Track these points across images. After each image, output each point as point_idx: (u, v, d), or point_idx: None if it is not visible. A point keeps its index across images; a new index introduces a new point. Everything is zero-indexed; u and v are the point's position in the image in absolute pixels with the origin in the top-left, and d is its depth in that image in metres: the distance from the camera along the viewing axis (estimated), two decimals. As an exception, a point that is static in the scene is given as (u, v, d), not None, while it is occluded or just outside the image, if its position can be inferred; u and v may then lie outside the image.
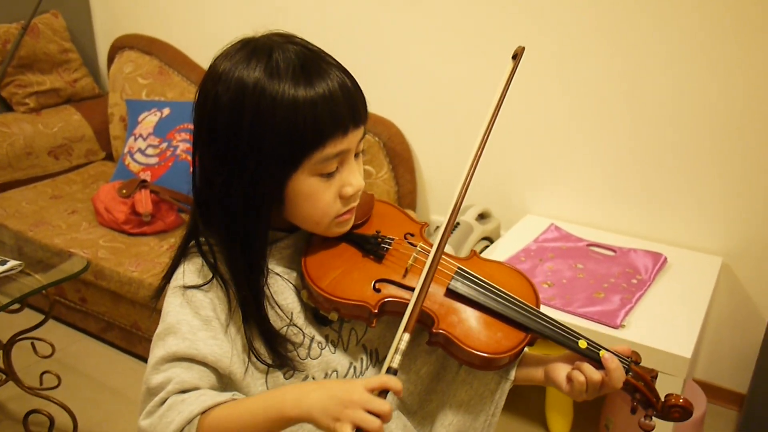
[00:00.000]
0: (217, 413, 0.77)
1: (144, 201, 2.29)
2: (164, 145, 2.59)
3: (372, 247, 0.91)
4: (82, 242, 2.30)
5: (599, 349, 0.87)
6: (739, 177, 1.96)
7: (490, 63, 2.23)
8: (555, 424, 2.08)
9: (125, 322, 2.30)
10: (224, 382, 0.84)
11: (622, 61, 2.03)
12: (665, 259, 1.95)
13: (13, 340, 1.84)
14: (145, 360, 2.33)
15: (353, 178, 0.86)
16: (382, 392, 0.75)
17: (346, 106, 0.81)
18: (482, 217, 2.22)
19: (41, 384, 1.93)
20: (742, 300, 2.06)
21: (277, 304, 0.88)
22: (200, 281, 0.86)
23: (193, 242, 0.89)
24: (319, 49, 0.85)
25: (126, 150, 2.69)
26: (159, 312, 0.87)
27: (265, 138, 0.79)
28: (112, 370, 2.34)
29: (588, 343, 0.87)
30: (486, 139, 0.94)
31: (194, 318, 0.83)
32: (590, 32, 2.05)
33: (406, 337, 0.79)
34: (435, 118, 2.42)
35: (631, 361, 0.87)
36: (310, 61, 0.81)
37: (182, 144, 2.56)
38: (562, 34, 2.09)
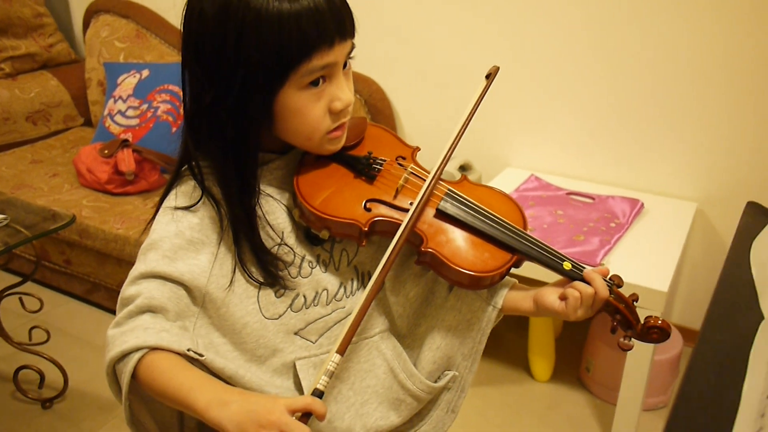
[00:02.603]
0: (160, 361, 0.78)
1: (127, 160, 2.29)
2: (144, 106, 2.58)
3: (363, 168, 0.92)
4: (65, 203, 2.30)
5: (582, 269, 0.90)
6: (712, 126, 2.02)
7: (472, 21, 2.25)
8: (537, 368, 2.14)
9: (111, 282, 2.31)
10: (199, 304, 0.86)
11: (598, 12, 2.06)
12: (642, 204, 2.01)
13: (0, 296, 1.85)
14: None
15: (342, 92, 0.86)
16: (305, 415, 0.73)
17: (331, 19, 0.81)
18: (463, 169, 2.25)
19: (30, 339, 1.94)
20: (716, 244, 2.13)
21: (268, 224, 0.89)
22: (191, 203, 0.87)
23: (185, 166, 0.90)
24: None
25: (106, 112, 2.68)
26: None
27: (251, 53, 0.79)
28: (98, 330, 2.35)
29: (572, 265, 0.90)
30: (456, 144, 0.94)
31: (177, 237, 0.85)
32: (567, -17, 2.08)
33: (337, 358, 0.78)
34: (416, 75, 2.44)
35: (613, 283, 0.90)
36: None
37: (163, 105, 2.55)
38: (540, -14, 2.11)
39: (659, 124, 2.09)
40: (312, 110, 0.85)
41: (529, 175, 2.23)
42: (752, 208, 1.10)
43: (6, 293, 1.85)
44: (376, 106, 2.45)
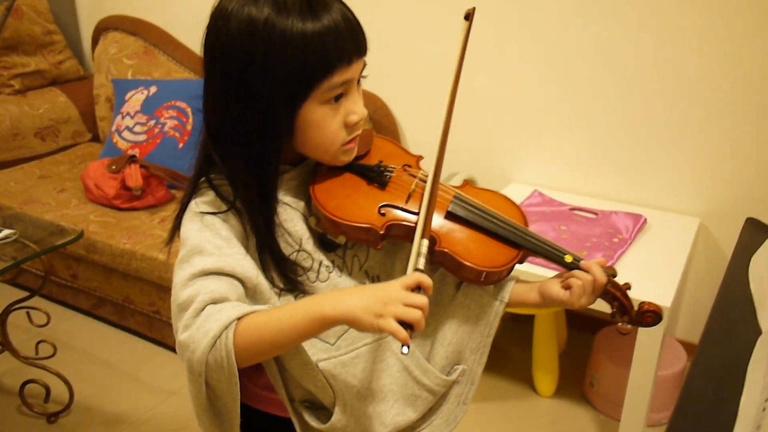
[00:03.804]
0: (254, 318, 0.80)
1: (134, 175, 2.31)
2: (152, 122, 2.61)
3: (375, 176, 0.98)
4: (72, 218, 2.32)
5: (580, 260, 0.97)
6: (714, 141, 2.03)
7: (477, 40, 2.27)
8: (541, 384, 2.14)
9: (117, 297, 2.33)
10: (250, 295, 0.88)
11: (598, 29, 2.08)
12: (645, 219, 2.02)
13: (8, 310, 1.87)
14: (138, 334, 2.38)
15: (357, 106, 0.91)
16: (416, 289, 0.81)
17: (349, 37, 0.86)
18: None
19: (37, 353, 1.95)
20: (719, 259, 2.13)
21: (286, 232, 0.93)
22: (216, 210, 0.90)
23: (203, 179, 0.93)
24: None
25: (114, 128, 2.71)
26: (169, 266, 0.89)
27: (277, 71, 0.83)
28: (104, 344, 2.37)
29: (573, 257, 0.97)
30: (453, 103, 1.01)
31: (216, 238, 0.87)
32: (568, 2, 2.10)
33: (425, 242, 0.88)
34: (419, 91, 2.46)
35: (608, 273, 0.97)
36: None
37: (170, 121, 2.59)
38: (543, 6, 2.14)
39: (661, 140, 2.10)
40: (330, 124, 0.90)
41: (533, 191, 2.25)
42: (751, 223, 1.11)
43: (13, 308, 1.87)
44: (380, 122, 2.47)
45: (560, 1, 2.11)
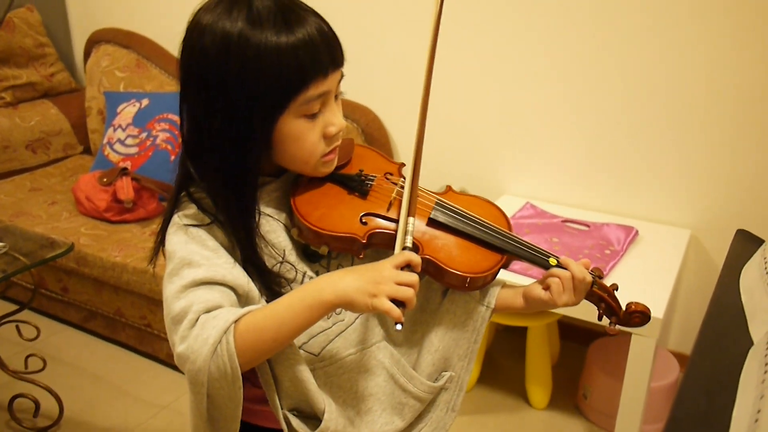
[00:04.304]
0: (251, 318, 0.81)
1: (126, 188, 2.31)
2: (144, 135, 2.61)
3: (356, 185, 0.97)
4: (63, 231, 2.31)
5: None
6: (705, 154, 2.04)
7: (468, 51, 2.29)
8: (534, 396, 2.13)
9: (108, 310, 2.31)
10: (242, 303, 0.87)
11: (591, 43, 2.09)
12: (636, 231, 2.02)
13: (-3, 324, 1.85)
14: (129, 347, 2.36)
15: (335, 118, 0.91)
16: (405, 267, 0.84)
17: (324, 50, 0.86)
18: (460, 197, 2.27)
19: (26, 367, 1.93)
20: (710, 271, 2.14)
21: (269, 243, 0.92)
22: (199, 223, 0.89)
23: (184, 193, 0.92)
24: None
25: (105, 141, 2.71)
26: (157, 278, 0.88)
27: (253, 84, 0.83)
28: (94, 357, 2.35)
29: (557, 261, 0.96)
30: (430, 81, 1.02)
31: (203, 249, 0.86)
32: (559, 15, 2.12)
33: (412, 220, 0.90)
34: (412, 104, 2.46)
35: (594, 275, 0.96)
36: (288, 8, 0.86)
37: (162, 134, 2.58)
38: (534, 19, 2.15)
39: (653, 153, 2.11)
40: (309, 136, 0.89)
41: (525, 203, 2.25)
42: (741, 235, 1.12)
43: (3, 321, 1.86)
44: (372, 135, 2.47)
45: (549, 18, 2.13)
